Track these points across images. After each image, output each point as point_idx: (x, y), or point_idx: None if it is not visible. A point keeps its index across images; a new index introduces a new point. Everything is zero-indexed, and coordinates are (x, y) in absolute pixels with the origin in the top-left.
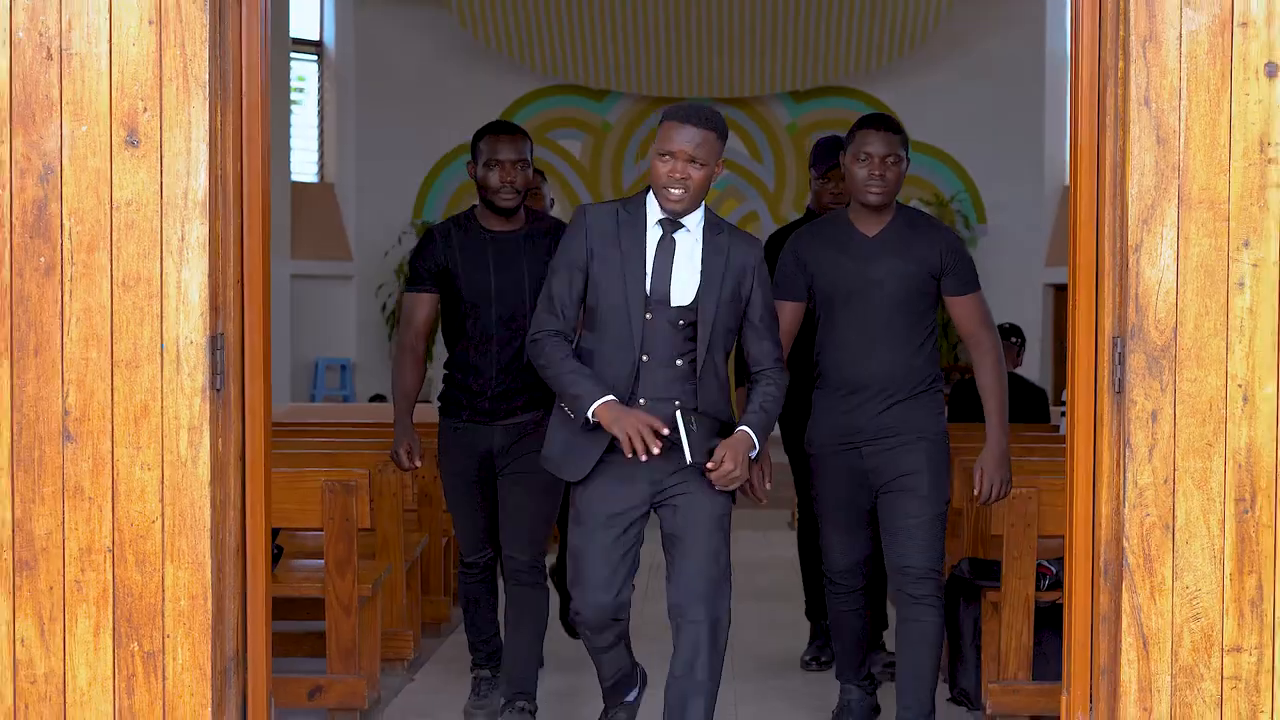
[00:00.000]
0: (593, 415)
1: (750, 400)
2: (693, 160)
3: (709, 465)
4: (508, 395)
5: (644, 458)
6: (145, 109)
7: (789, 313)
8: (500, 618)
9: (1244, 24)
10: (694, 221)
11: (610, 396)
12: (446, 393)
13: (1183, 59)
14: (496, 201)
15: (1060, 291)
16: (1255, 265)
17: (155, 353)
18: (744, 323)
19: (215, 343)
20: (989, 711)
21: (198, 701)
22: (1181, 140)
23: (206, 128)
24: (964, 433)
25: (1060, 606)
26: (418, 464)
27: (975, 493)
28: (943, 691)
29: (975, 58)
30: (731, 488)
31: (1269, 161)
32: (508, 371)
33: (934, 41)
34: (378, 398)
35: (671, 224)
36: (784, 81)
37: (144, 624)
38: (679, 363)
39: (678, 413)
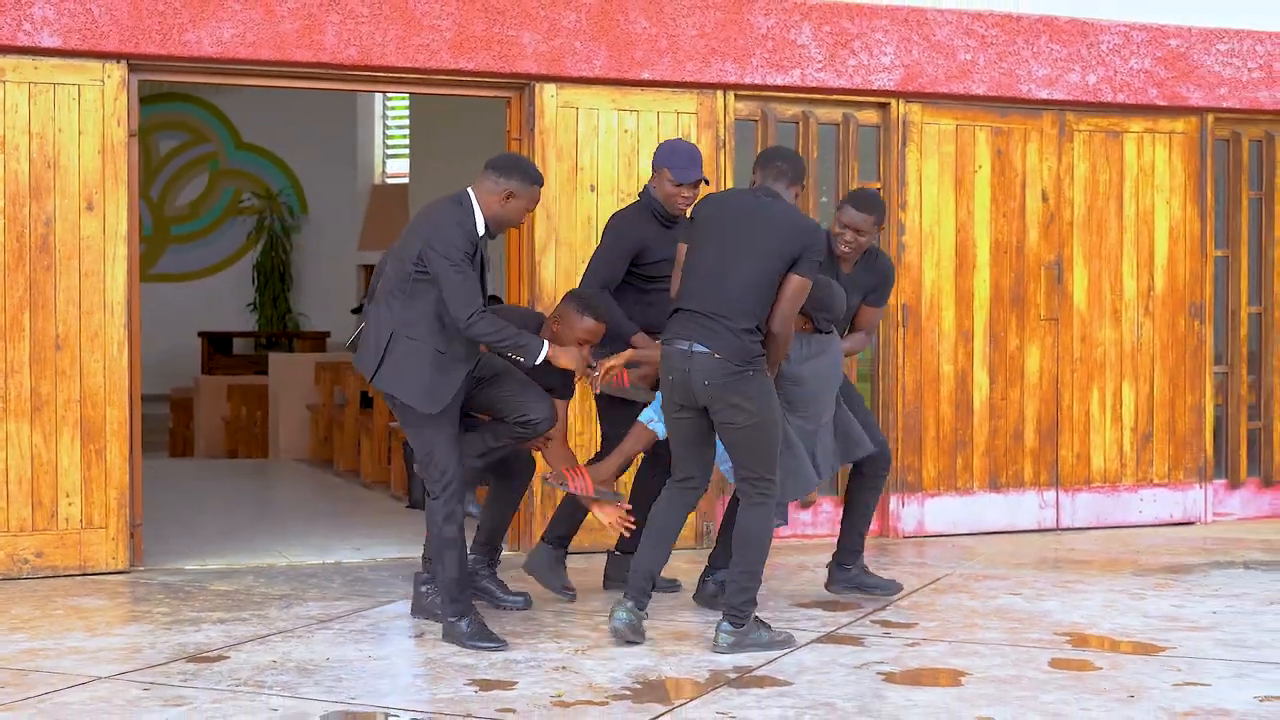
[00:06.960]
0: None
1: None
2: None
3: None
4: None
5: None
6: (95, 191)
7: None
8: None
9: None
10: None
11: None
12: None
13: None
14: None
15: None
16: None
17: (102, 305)
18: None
19: (129, 307)
20: None
21: (122, 474)
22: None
23: (127, 202)
24: None
25: None
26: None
27: None
28: None
29: None
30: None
31: None
32: None
33: None
34: None
35: None
36: None
37: (97, 435)
38: None
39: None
